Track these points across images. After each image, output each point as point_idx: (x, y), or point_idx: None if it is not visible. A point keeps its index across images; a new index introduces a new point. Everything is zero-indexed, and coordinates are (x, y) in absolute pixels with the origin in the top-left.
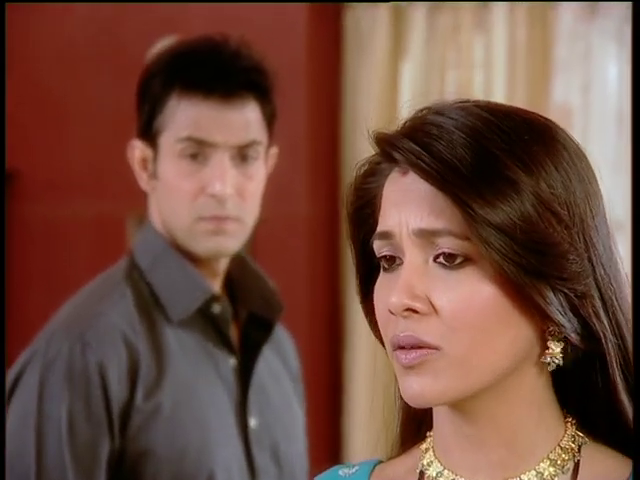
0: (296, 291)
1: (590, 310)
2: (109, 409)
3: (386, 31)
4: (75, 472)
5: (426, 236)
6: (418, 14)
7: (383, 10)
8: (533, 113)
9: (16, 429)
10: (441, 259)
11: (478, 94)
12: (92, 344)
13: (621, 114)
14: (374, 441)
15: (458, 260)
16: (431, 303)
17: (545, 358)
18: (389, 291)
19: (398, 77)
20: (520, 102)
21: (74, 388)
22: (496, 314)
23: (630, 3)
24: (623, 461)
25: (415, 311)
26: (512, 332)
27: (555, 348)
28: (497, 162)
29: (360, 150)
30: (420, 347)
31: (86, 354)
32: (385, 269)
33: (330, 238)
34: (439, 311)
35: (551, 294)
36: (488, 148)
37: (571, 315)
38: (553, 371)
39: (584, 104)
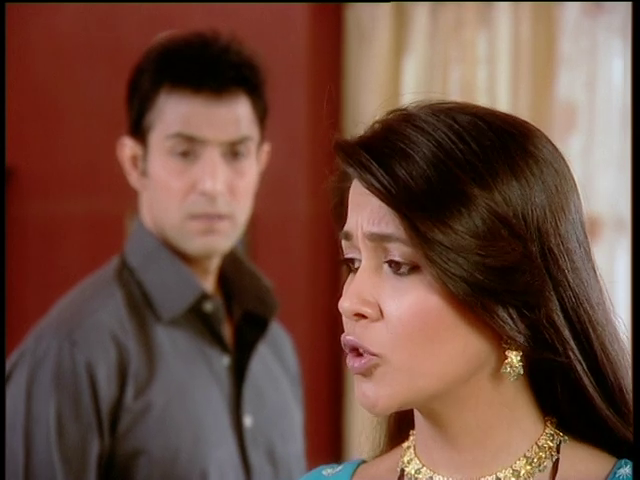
0: (296, 290)
1: (544, 321)
2: (98, 408)
3: (388, 27)
4: (64, 472)
5: (377, 240)
6: (420, 10)
7: (385, 6)
8: (510, 119)
9: (5, 429)
10: (391, 265)
11: (481, 91)
12: (80, 343)
13: (626, 111)
14: (374, 441)
15: (405, 268)
16: (380, 309)
17: (504, 368)
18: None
19: (400, 74)
20: (524, 99)
21: (62, 387)
22: (442, 323)
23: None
24: (603, 459)
25: (364, 316)
26: (461, 340)
27: (513, 357)
28: (451, 176)
29: None
30: (363, 353)
31: (74, 353)
32: (350, 269)
33: (330, 236)
34: (386, 317)
35: (499, 308)
36: (445, 162)
37: (523, 327)
38: (529, 372)
39: (589, 101)
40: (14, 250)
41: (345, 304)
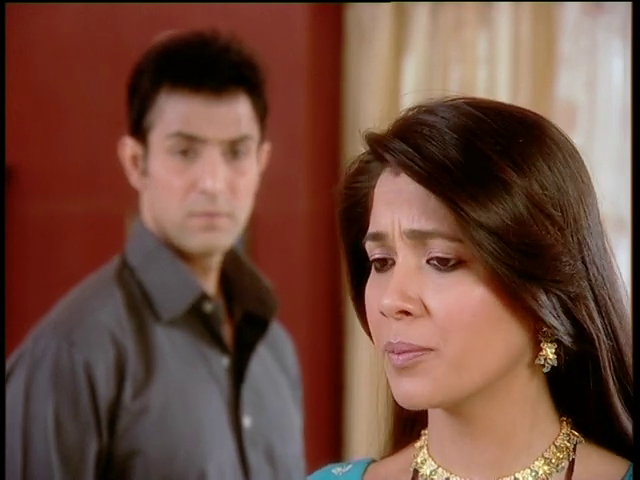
0: (296, 289)
1: (584, 312)
2: (96, 408)
3: (388, 27)
4: (62, 472)
5: (418, 237)
6: (421, 10)
7: (385, 6)
8: (525, 110)
9: (5, 429)
10: (434, 261)
11: (481, 91)
12: (79, 343)
13: (626, 110)
14: (375, 442)
15: (451, 263)
16: (424, 305)
17: (539, 360)
18: (381, 292)
19: (400, 73)
20: (524, 98)
21: (60, 387)
22: (488, 316)
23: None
24: (618, 461)
25: (407, 313)
26: (504, 334)
27: (548, 350)
28: (489, 163)
29: (361, 148)
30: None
31: (73, 353)
32: (377, 269)
33: (331, 235)
34: (432, 313)
35: (544, 296)
36: (480, 149)
37: (564, 317)
38: (549, 372)
39: (589, 100)
40: (14, 250)
41: (386, 301)
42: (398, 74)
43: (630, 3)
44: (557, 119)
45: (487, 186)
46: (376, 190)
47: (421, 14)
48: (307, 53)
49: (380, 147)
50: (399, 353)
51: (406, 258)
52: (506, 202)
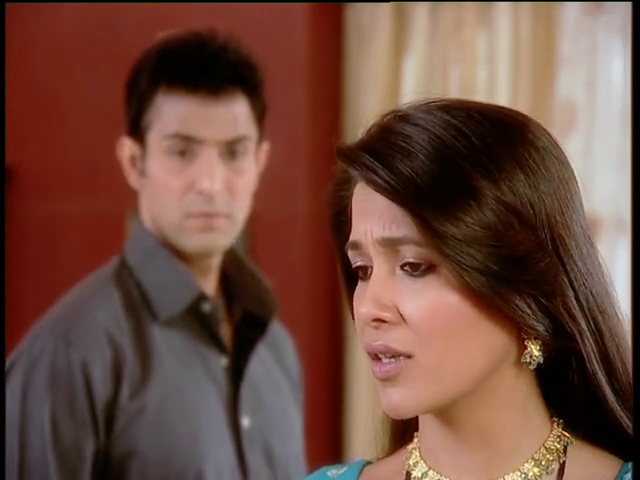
0: (296, 289)
1: (561, 309)
2: (93, 408)
3: (388, 27)
4: (59, 471)
5: (389, 245)
6: (420, 10)
7: (385, 6)
8: (504, 110)
9: (4, 429)
10: (406, 267)
11: (481, 91)
12: (76, 343)
13: (626, 111)
14: (374, 442)
15: (422, 268)
16: (399, 312)
17: (524, 358)
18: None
19: (400, 73)
20: (524, 98)
21: (57, 387)
22: (464, 320)
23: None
24: (610, 461)
25: (384, 321)
26: (484, 336)
27: (533, 347)
28: (456, 170)
29: None
30: (393, 356)
31: (70, 353)
32: (361, 278)
33: (330, 236)
34: (407, 319)
35: (516, 297)
36: (448, 156)
37: (541, 315)
38: (538, 372)
39: (589, 100)
40: (14, 250)
41: (362, 310)
42: (398, 74)
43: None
44: (557, 119)
45: (454, 195)
46: (353, 199)
47: (421, 14)
48: (307, 53)
49: (346, 161)
50: (378, 358)
51: (380, 266)
52: (472, 208)
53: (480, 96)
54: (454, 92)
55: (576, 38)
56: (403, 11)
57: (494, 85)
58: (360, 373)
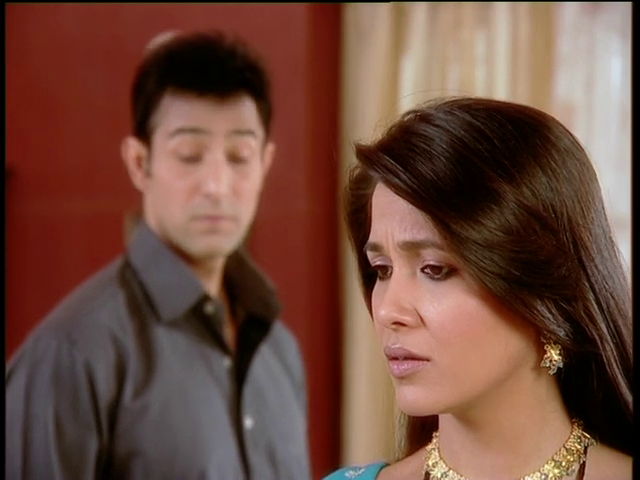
0: (296, 290)
1: (582, 313)
2: (96, 408)
3: (387, 27)
4: (62, 471)
5: (411, 248)
6: (419, 10)
7: (384, 6)
8: (525, 109)
9: (5, 429)
10: (427, 270)
11: (480, 90)
12: (79, 343)
13: (625, 110)
14: (374, 442)
15: (444, 271)
16: (419, 315)
17: (544, 363)
18: (382, 301)
19: (399, 73)
20: (522, 98)
21: (61, 387)
22: (484, 324)
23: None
24: (630, 463)
25: (403, 324)
26: (503, 340)
27: (553, 352)
28: (478, 173)
29: None
30: (412, 358)
31: (73, 353)
32: (380, 277)
33: (330, 236)
34: (427, 323)
35: (537, 302)
36: (470, 159)
37: (561, 320)
38: (557, 374)
39: (587, 100)
40: (14, 250)
41: (382, 312)
42: (397, 73)
43: (628, 2)
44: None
45: (474, 198)
46: (373, 199)
47: (419, 14)
48: (306, 53)
49: (366, 162)
50: (396, 358)
51: (401, 269)
52: (493, 212)
53: (478, 96)
54: (453, 92)
55: (574, 37)
56: (402, 11)
57: (492, 85)
58: (360, 373)
